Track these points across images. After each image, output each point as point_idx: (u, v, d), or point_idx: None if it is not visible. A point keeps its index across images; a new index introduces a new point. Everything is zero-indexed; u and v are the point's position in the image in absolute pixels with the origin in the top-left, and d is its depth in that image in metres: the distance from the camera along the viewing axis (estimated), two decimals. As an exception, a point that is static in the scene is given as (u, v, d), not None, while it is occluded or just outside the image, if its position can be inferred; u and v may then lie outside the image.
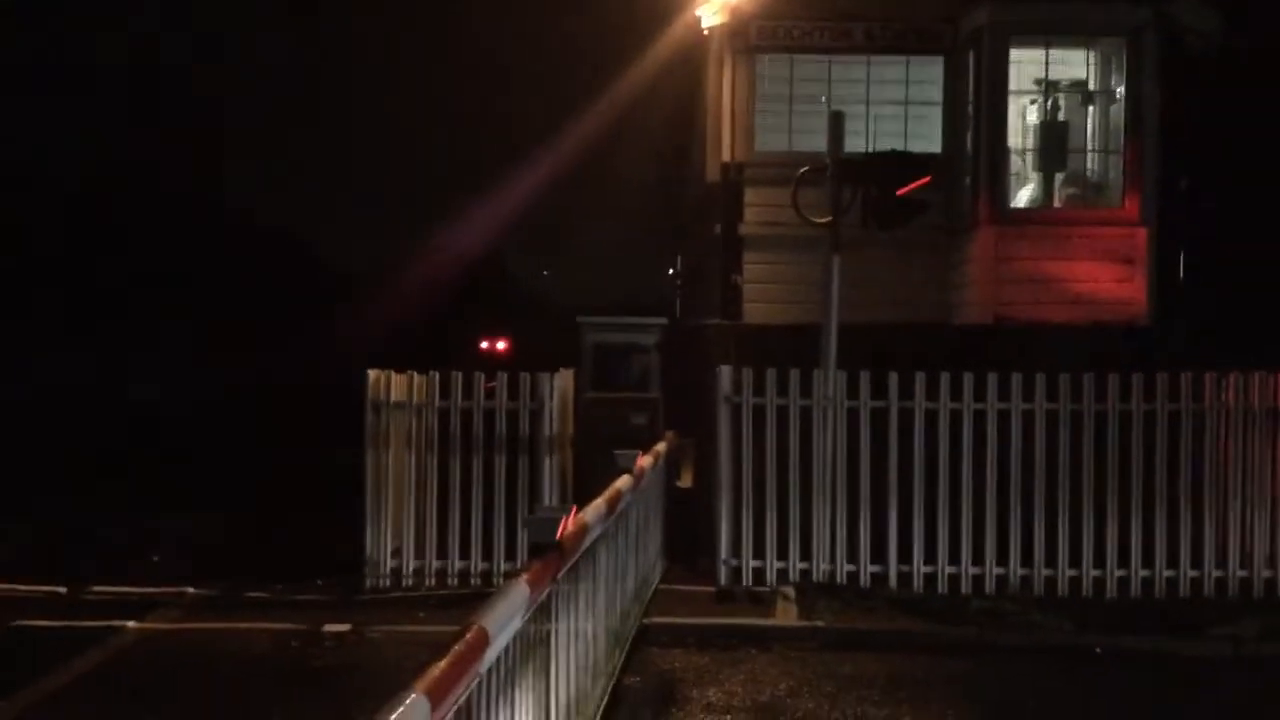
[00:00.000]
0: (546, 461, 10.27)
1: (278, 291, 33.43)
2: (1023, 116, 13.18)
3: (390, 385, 10.27)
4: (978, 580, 9.95)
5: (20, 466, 15.95)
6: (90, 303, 27.60)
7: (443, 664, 3.16)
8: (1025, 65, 12.83)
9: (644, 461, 8.34)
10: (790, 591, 9.65)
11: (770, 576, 9.97)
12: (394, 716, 2.69)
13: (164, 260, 30.48)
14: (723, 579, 10.00)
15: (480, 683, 3.68)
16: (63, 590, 9.75)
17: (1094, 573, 9.92)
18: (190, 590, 9.80)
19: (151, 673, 7.88)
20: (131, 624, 8.84)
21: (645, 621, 8.70)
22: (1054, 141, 12.91)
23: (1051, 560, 9.94)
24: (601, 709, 6.61)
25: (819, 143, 11.56)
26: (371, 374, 10.25)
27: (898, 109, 13.15)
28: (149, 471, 16.09)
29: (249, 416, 22.09)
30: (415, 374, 10.34)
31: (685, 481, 12.84)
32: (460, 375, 10.29)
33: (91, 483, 15.17)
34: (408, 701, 2.81)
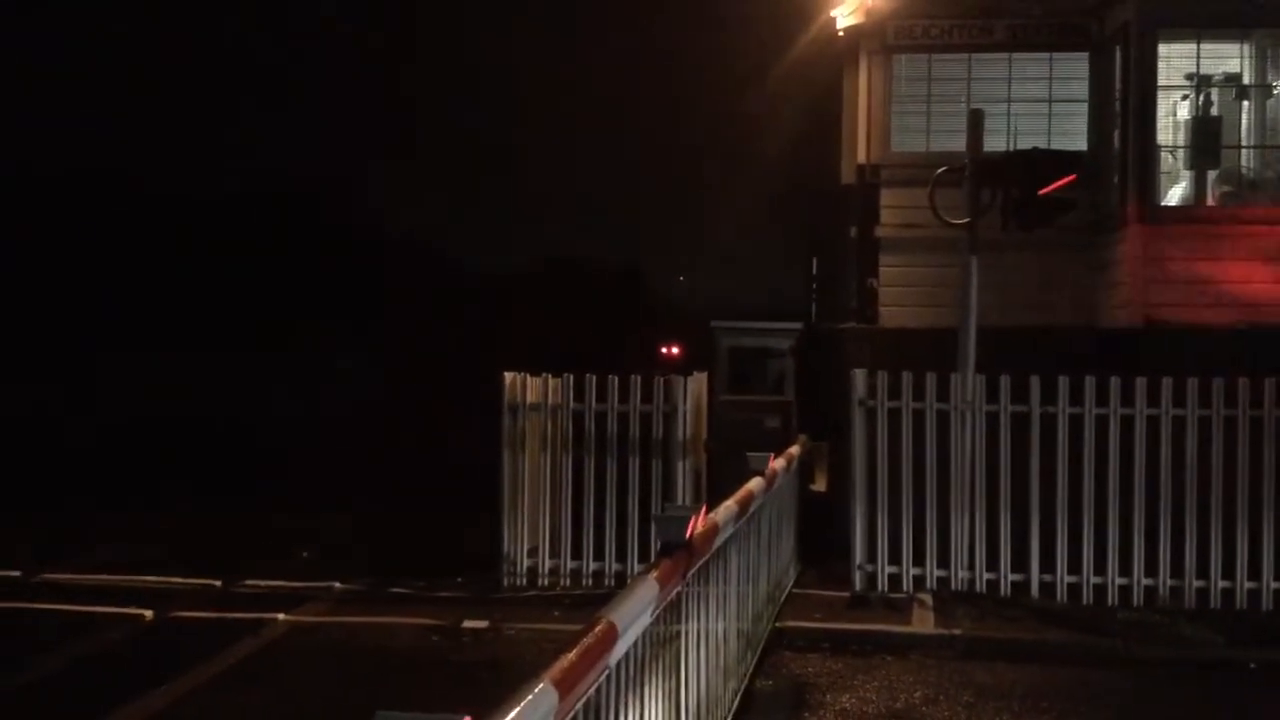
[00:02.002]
0: (680, 464, 10.31)
1: (437, 300, 34.48)
2: (1173, 113, 12.71)
3: (526, 387, 10.44)
4: (1124, 591, 9.64)
5: (178, 468, 16.72)
6: (231, 311, 28.76)
7: (571, 655, 3.21)
8: (1175, 60, 12.37)
9: (776, 464, 8.31)
10: (927, 598, 9.50)
11: (906, 583, 9.83)
12: (522, 704, 2.74)
13: (320, 270, 31.61)
14: (857, 584, 9.89)
15: (609, 677, 3.73)
16: (217, 584, 10.19)
17: (1248, 585, 9.51)
18: (337, 585, 10.12)
19: (301, 662, 8.18)
20: (282, 616, 9.18)
21: (778, 625, 8.66)
22: (1207, 138, 12.40)
23: (1203, 571, 9.56)
24: (733, 711, 6.61)
25: (957, 143, 11.35)
26: (508, 376, 10.43)
27: (1040, 107, 12.82)
28: (301, 472, 16.68)
29: (412, 418, 22.76)
30: (550, 376, 10.49)
31: (819, 485, 12.74)
32: (594, 378, 10.40)
33: (247, 483, 15.80)
34: (536, 690, 2.87)
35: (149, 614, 9.20)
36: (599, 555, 10.27)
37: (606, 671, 3.65)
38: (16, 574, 10.37)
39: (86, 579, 10.16)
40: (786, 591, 9.61)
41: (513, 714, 2.67)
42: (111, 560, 10.77)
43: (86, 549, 11.24)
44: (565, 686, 3.03)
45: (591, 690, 3.47)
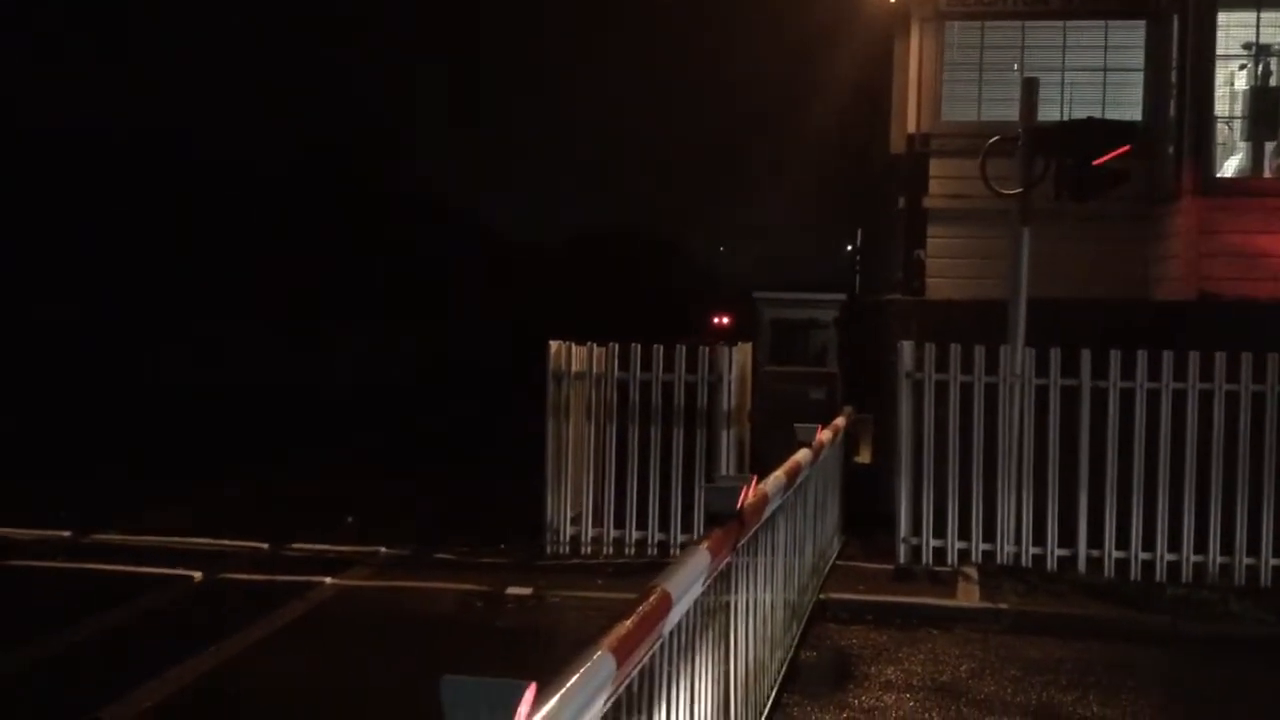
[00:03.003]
0: (724, 434, 10.28)
1: (482, 269, 34.66)
2: (1230, 83, 12.47)
3: (571, 356, 10.44)
4: (1173, 567, 9.53)
5: (230, 435, 16.90)
6: (278, 280, 28.95)
7: (628, 623, 3.20)
8: (1233, 29, 12.12)
9: (823, 435, 8.27)
10: (972, 572, 9.45)
11: (951, 556, 9.77)
12: (583, 670, 2.74)
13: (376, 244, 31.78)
14: (902, 557, 9.85)
15: (662, 645, 3.73)
16: (265, 546, 10.30)
17: (1302, 564, 9.38)
18: (383, 550, 10.20)
19: (347, 626, 8.25)
20: (328, 580, 9.27)
21: (822, 597, 8.64)
22: (1265, 109, 12.16)
23: (1254, 548, 9.44)
24: (779, 681, 6.61)
25: (1009, 112, 11.18)
26: (553, 345, 10.42)
27: (1095, 76, 12.61)
28: (348, 438, 16.86)
29: (456, 386, 22.94)
30: (595, 345, 10.48)
31: (863, 457, 12.68)
32: (638, 347, 10.37)
33: (295, 449, 15.97)
34: (595, 657, 2.86)
35: (198, 575, 9.32)
36: (642, 524, 10.28)
37: (660, 640, 3.65)
38: (67, 534, 10.53)
39: (136, 540, 10.30)
40: (830, 563, 9.58)
41: (573, 680, 2.66)
42: (161, 523, 10.90)
43: (136, 512, 11.39)
44: (622, 654, 3.03)
45: (646, 658, 3.47)
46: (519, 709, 2.27)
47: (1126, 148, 10.14)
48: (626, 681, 3.20)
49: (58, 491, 12.51)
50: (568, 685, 2.64)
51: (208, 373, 22.56)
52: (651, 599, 3.51)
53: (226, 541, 10.33)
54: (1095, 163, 9.92)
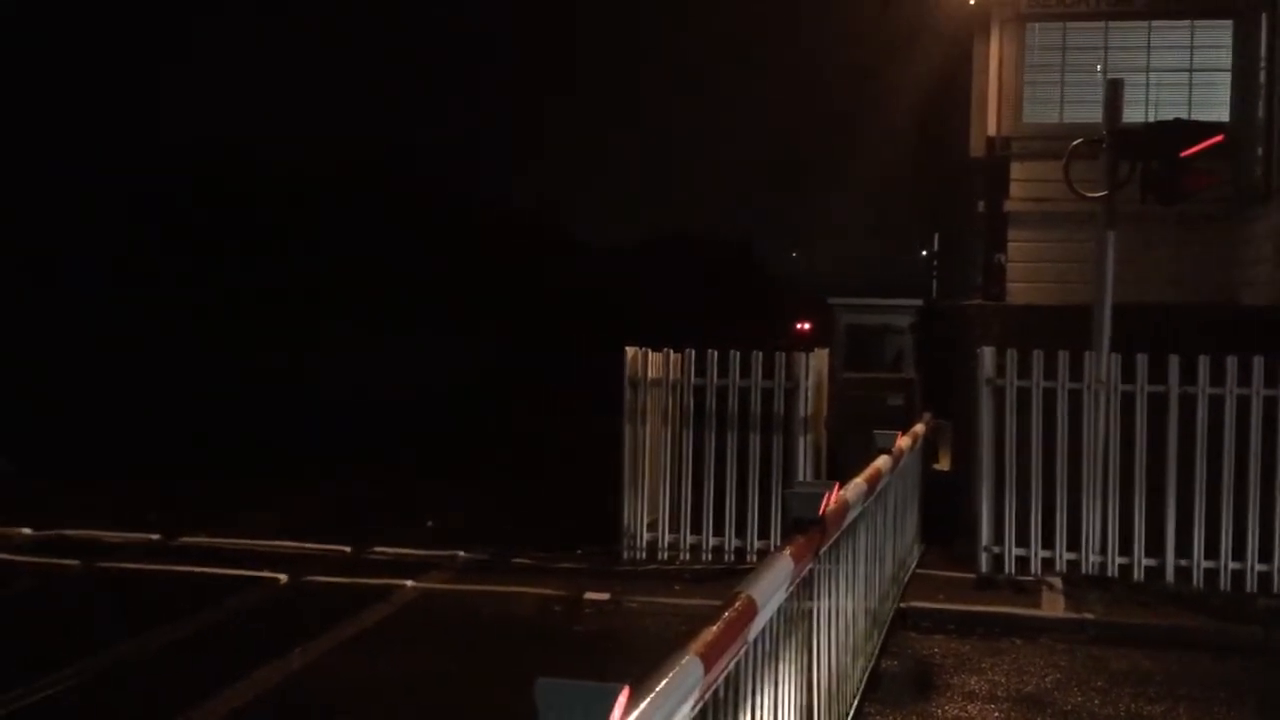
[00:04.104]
0: (801, 440, 10.23)
1: (555, 273, 34.92)
2: (1323, 80, 12.14)
3: (647, 363, 10.45)
4: (1264, 577, 9.30)
5: (314, 440, 17.19)
6: (354, 286, 29.37)
7: (715, 629, 3.20)
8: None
9: (903, 442, 8.19)
10: (1057, 582, 9.30)
11: (1034, 566, 9.62)
12: (671, 674, 2.75)
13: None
14: (984, 566, 9.71)
15: (747, 651, 3.72)
16: (347, 549, 10.45)
17: (1401, 576, 9.09)
18: (462, 554, 10.29)
19: (430, 629, 8.34)
20: (410, 583, 9.38)
21: (903, 605, 8.55)
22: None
23: (1351, 560, 9.17)
24: (861, 690, 6.55)
25: (1092, 114, 10.99)
26: (629, 351, 10.45)
27: (1181, 77, 12.36)
28: (432, 444, 17.07)
29: (534, 392, 23.14)
30: (671, 351, 10.49)
31: (942, 464, 12.53)
32: (715, 353, 10.35)
33: (378, 454, 16.19)
34: (683, 662, 2.87)
35: (283, 578, 9.48)
36: (718, 530, 10.26)
37: (745, 646, 3.64)
38: (156, 537, 10.77)
39: (223, 543, 10.50)
40: (910, 571, 9.49)
41: (663, 684, 2.67)
42: (248, 526, 11.11)
43: (225, 517, 11.62)
44: (710, 659, 3.03)
45: (731, 664, 3.47)
46: (613, 712, 2.27)
47: (1219, 137, 9.91)
48: (714, 687, 3.20)
49: (146, 494, 12.81)
50: (658, 689, 2.64)
51: (284, 375, 22.93)
52: (737, 604, 3.50)
53: (310, 545, 10.50)
54: (1185, 154, 9.68)
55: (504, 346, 29.04)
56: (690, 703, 2.89)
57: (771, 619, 4.11)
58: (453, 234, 33.43)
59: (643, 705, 2.52)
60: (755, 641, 3.83)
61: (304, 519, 11.66)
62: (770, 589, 3.95)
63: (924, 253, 25.03)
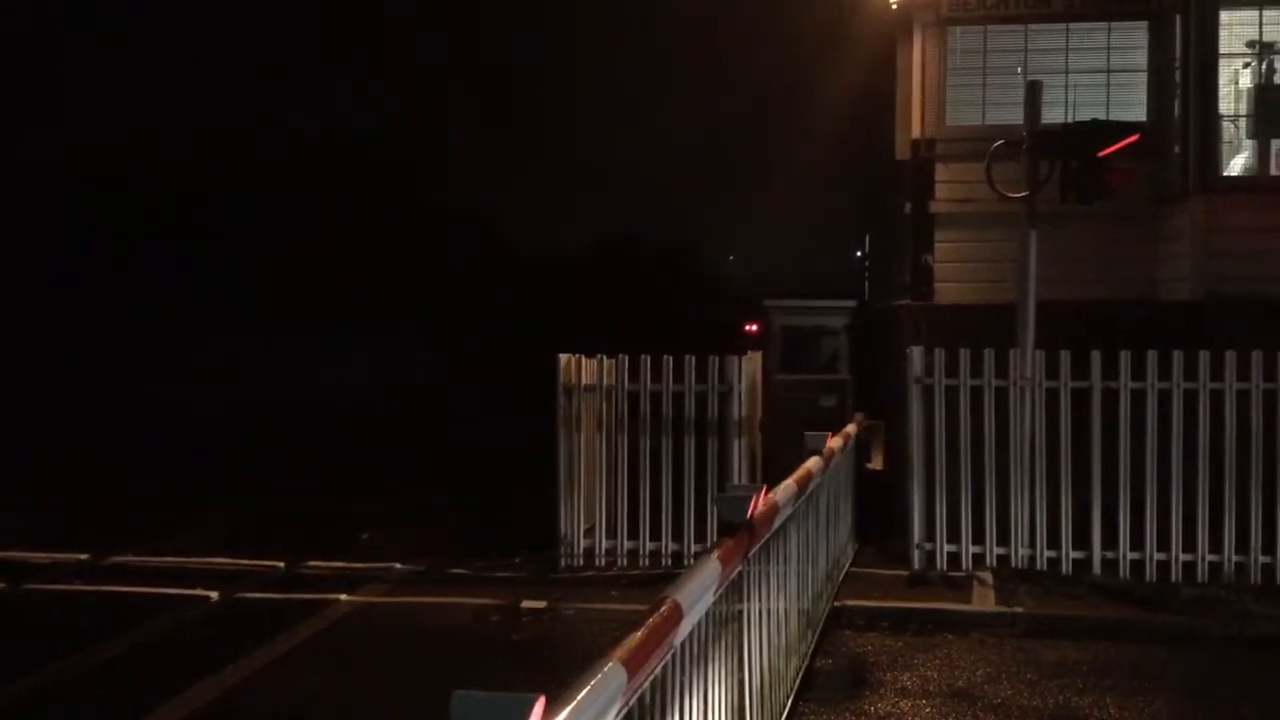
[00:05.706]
0: (735, 443, 10.29)
1: (493, 280, 34.76)
2: (1234, 81, 12.47)
3: (581, 369, 10.46)
4: (1188, 567, 9.51)
5: (241, 453, 16.97)
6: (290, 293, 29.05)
7: (638, 635, 3.22)
8: (1236, 27, 12.12)
9: (834, 443, 8.28)
10: (987, 577, 9.43)
11: (965, 561, 9.76)
12: (593, 682, 2.76)
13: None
14: (916, 563, 9.84)
15: (674, 656, 3.74)
16: (281, 565, 10.34)
17: (1318, 562, 9.35)
18: (398, 566, 10.23)
19: (363, 642, 8.28)
20: (345, 597, 9.30)
21: (837, 604, 8.64)
22: (1270, 106, 12.16)
23: (1269, 547, 9.40)
24: (794, 689, 6.61)
25: (1014, 115, 11.18)
26: (562, 358, 10.45)
27: (1099, 78, 12.63)
28: (361, 454, 16.91)
29: (470, 400, 23.06)
30: (604, 357, 10.50)
31: (876, 464, 12.65)
32: (648, 358, 10.39)
33: (309, 466, 16.02)
34: (605, 669, 2.88)
35: (214, 595, 9.36)
36: (655, 535, 10.29)
37: (672, 651, 3.66)
38: (85, 556, 10.59)
39: (153, 561, 10.35)
40: (845, 570, 9.58)
41: (583, 693, 2.68)
42: (177, 543, 10.96)
43: (153, 532, 11.44)
44: (633, 666, 3.05)
45: (658, 669, 3.49)
46: (529, 722, 2.29)
47: (1136, 136, 10.13)
48: (638, 693, 3.22)
49: (74, 514, 12.58)
50: (578, 698, 2.66)
51: (220, 389, 22.64)
52: (662, 610, 3.53)
53: (243, 561, 10.38)
54: (1103, 153, 9.89)
55: (439, 355, 28.89)
56: (614, 710, 2.91)
57: (700, 622, 4.14)
58: (385, 236, 33.22)
59: (563, 715, 2.53)
60: (682, 645, 3.86)
61: (236, 534, 11.52)
62: (697, 593, 3.98)
63: (858, 254, 25.28)
